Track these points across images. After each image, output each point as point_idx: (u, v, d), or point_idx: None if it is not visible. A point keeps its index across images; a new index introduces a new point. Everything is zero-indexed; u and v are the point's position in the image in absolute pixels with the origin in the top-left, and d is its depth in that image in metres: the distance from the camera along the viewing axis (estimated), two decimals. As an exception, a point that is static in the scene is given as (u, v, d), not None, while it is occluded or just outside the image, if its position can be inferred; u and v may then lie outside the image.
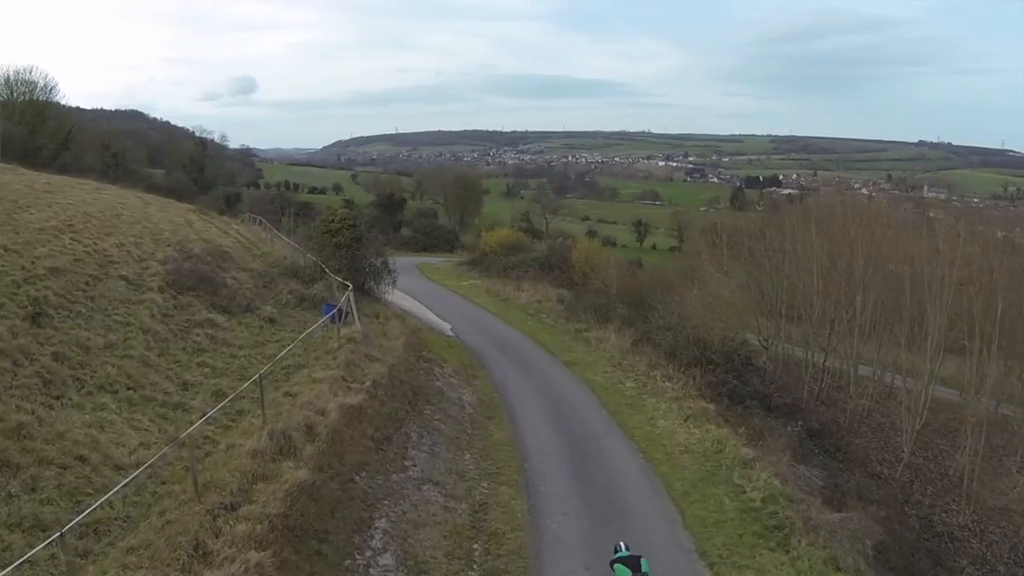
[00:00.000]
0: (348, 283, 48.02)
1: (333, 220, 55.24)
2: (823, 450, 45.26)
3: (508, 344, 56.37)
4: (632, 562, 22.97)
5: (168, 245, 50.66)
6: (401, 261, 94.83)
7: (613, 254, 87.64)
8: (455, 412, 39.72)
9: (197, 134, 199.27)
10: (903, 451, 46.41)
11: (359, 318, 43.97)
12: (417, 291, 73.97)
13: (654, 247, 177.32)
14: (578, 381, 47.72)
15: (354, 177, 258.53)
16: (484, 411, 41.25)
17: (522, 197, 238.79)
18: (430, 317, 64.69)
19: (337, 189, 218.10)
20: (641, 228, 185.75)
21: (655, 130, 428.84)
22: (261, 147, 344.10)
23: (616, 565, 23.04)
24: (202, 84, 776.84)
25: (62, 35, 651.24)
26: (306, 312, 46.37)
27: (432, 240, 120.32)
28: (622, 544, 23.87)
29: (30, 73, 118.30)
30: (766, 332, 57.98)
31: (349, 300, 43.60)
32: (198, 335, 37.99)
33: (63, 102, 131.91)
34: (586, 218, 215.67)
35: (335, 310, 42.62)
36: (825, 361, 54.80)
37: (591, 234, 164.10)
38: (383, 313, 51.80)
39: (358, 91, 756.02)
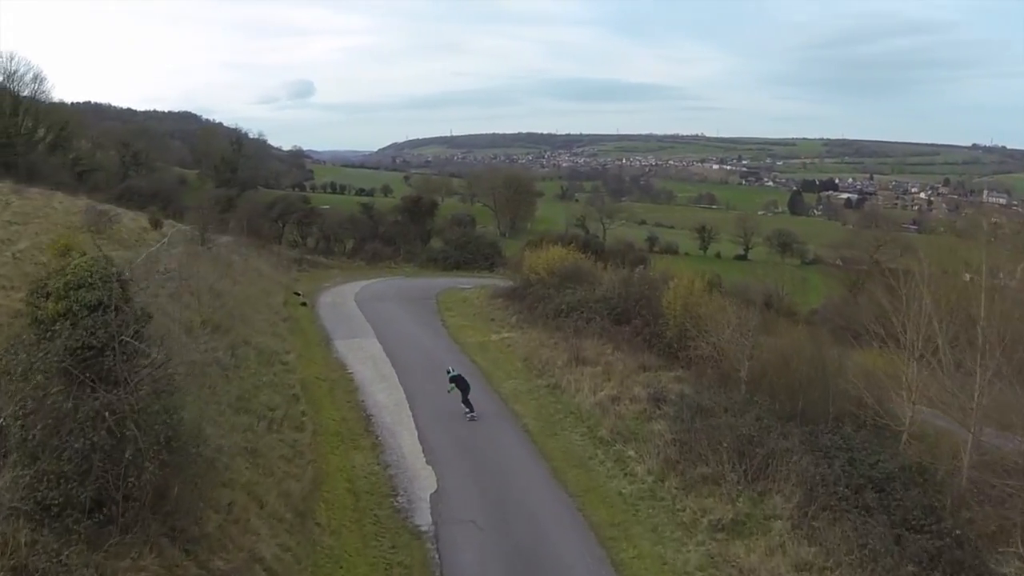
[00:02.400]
0: None
1: (46, 282, 18.13)
2: None
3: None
4: (461, 381, 32.73)
5: None
6: (422, 284, 68.27)
7: (712, 289, 48.91)
8: None
9: (249, 134, 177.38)
10: None
11: None
12: (412, 355, 41.89)
13: (718, 255, 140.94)
14: None
15: (406, 178, 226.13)
16: None
17: (577, 200, 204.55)
18: (403, 443, 29.85)
19: (386, 191, 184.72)
20: (705, 234, 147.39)
21: (708, 133, 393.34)
22: (318, 149, 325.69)
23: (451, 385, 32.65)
24: (259, 88, 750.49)
25: (114, 39, 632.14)
26: None
27: (467, 255, 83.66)
28: (450, 367, 34.03)
29: (11, 61, 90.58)
30: None
31: None
32: None
33: (53, 97, 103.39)
34: (643, 222, 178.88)
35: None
36: None
37: (651, 240, 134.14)
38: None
39: (412, 94, 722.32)
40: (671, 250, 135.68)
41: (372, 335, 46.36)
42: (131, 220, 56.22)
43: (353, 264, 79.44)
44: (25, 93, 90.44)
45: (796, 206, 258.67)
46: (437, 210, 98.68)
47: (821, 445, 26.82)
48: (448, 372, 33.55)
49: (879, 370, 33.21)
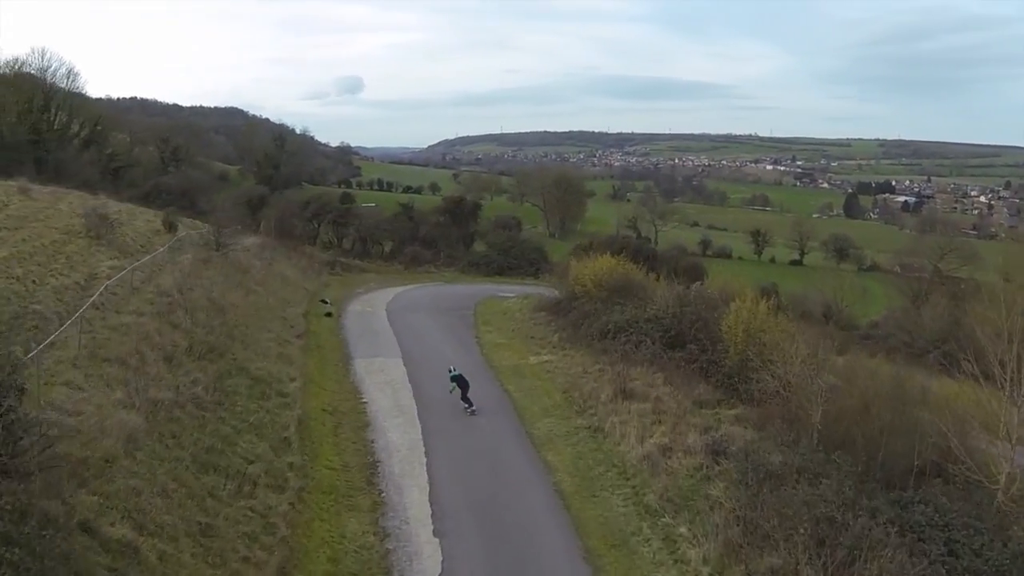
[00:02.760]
0: None
1: None
2: None
3: None
4: (462, 381, 32.97)
5: None
6: (461, 292, 63.18)
7: (784, 319, 42.19)
8: None
9: (296, 130, 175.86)
10: None
11: None
12: (437, 380, 35.35)
13: (773, 260, 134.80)
14: None
15: (455, 176, 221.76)
16: None
17: (628, 200, 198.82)
18: (410, 502, 24.63)
19: (434, 188, 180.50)
20: (759, 238, 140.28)
21: (761, 133, 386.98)
22: (367, 145, 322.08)
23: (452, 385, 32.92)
24: (308, 84, 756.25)
25: (162, 36, 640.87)
26: None
27: (511, 260, 78.68)
28: (452, 367, 34.08)
29: (42, 57, 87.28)
30: None
31: None
32: None
33: (88, 92, 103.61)
34: (695, 224, 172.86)
35: None
36: None
37: (704, 244, 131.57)
38: None
39: (463, 92, 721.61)
40: (724, 254, 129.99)
41: (397, 353, 41.67)
42: (145, 222, 51.72)
43: (390, 267, 74.74)
44: (61, 86, 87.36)
45: (852, 209, 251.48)
46: (481, 211, 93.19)
47: (913, 522, 21.40)
48: (450, 371, 33.83)
49: (963, 406, 27.85)
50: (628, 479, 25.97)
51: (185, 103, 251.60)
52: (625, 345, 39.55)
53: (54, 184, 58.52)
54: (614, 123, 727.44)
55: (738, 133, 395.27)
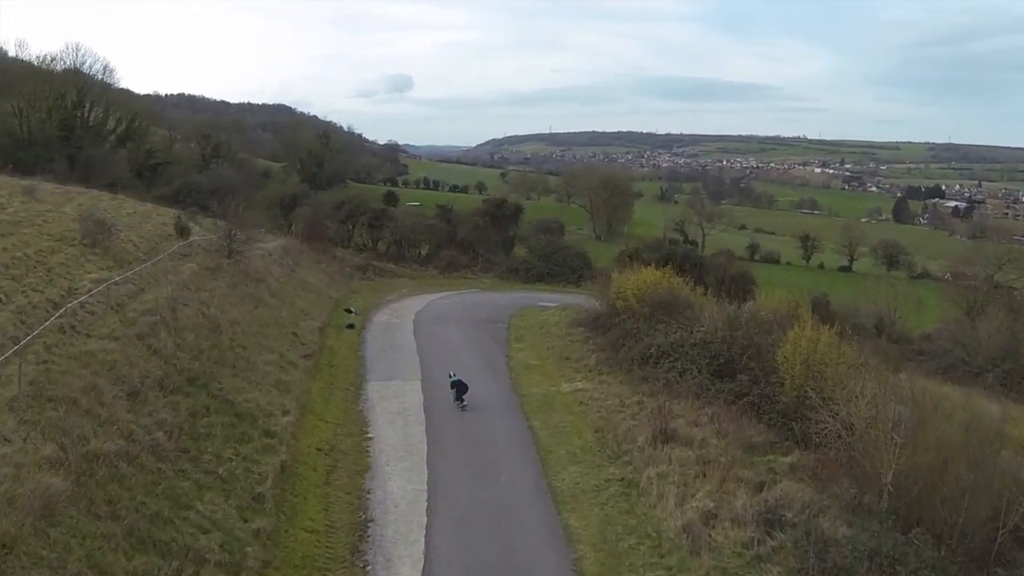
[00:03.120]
0: None
1: None
2: None
3: None
4: (460, 385, 33.04)
5: None
6: (497, 300, 58.64)
7: (848, 349, 36.42)
8: None
9: (344, 127, 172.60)
10: None
11: None
12: (448, 405, 33.06)
13: (821, 266, 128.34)
14: None
15: (503, 175, 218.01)
16: None
17: (676, 202, 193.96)
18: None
19: (481, 187, 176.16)
20: (808, 243, 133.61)
21: (810, 135, 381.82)
22: (415, 143, 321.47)
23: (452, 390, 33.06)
24: (357, 82, 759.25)
25: (210, 33, 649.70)
26: None
27: (552, 266, 73.68)
28: (452, 372, 34.08)
29: (76, 53, 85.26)
30: None
31: None
32: None
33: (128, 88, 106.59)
34: (743, 227, 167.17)
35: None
36: None
37: (752, 248, 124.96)
38: None
39: (512, 90, 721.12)
40: (772, 259, 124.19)
41: (416, 375, 37.48)
42: (158, 225, 47.52)
43: (426, 272, 70.58)
44: (97, 79, 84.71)
45: (901, 214, 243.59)
46: (523, 214, 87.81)
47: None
48: (450, 377, 34.05)
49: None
50: (663, 557, 20.92)
51: (233, 100, 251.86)
52: (668, 373, 34.92)
53: (83, 182, 55.24)
54: (662, 124, 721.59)
55: (786, 135, 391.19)
